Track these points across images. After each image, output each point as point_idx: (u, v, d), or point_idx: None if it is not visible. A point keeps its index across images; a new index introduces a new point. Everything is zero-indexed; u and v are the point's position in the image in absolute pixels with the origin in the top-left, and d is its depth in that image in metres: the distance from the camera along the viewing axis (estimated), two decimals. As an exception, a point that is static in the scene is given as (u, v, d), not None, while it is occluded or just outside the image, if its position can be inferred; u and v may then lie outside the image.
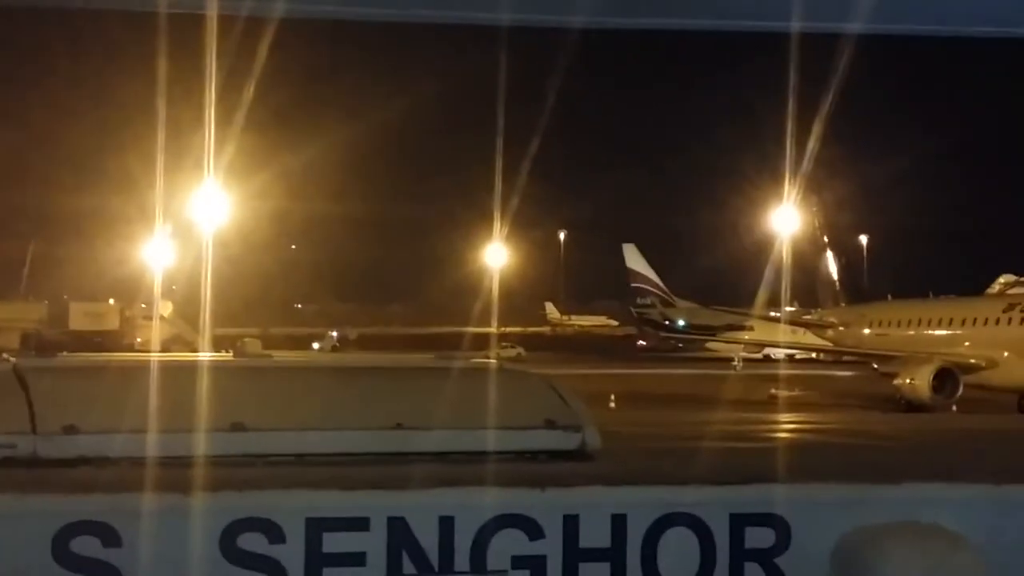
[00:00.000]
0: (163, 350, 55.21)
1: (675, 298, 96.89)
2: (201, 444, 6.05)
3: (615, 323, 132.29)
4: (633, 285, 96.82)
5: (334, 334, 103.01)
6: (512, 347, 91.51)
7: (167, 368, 6.86)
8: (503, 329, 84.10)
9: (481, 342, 65.75)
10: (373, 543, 5.64)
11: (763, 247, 68.60)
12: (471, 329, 69.17)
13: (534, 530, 5.77)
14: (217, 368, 7.03)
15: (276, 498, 5.64)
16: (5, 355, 7.63)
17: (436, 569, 5.68)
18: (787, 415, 45.21)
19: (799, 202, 66.04)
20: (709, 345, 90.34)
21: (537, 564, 5.77)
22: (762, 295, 70.47)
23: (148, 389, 6.24)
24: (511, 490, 5.81)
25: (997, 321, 56.17)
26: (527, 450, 6.45)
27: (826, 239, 72.33)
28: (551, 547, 5.78)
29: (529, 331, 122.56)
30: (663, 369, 75.12)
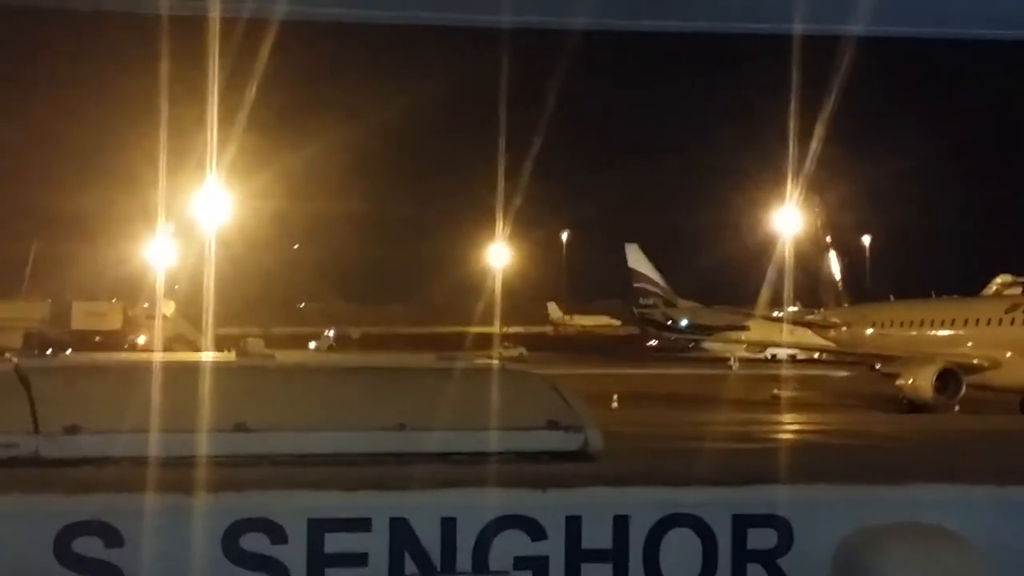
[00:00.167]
0: (166, 349, 55.25)
1: (677, 298, 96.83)
2: (203, 444, 6.05)
3: (618, 323, 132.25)
4: (635, 285, 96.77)
5: (330, 333, 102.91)
6: (514, 347, 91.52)
7: (169, 368, 6.86)
8: (505, 329, 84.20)
9: (484, 342, 65.82)
10: (375, 544, 5.64)
11: (765, 247, 68.73)
12: (474, 329, 69.28)
13: (536, 531, 5.77)
14: (219, 368, 7.04)
15: (278, 498, 5.64)
16: (7, 355, 7.64)
17: (438, 569, 5.68)
18: (789, 416, 45.35)
19: (801, 202, 66.13)
20: (706, 345, 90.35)
21: (539, 565, 5.78)
22: (764, 295, 70.58)
23: (150, 389, 6.25)
24: (513, 491, 5.82)
25: (1000, 321, 56.19)
26: (529, 451, 6.45)
27: (828, 239, 72.40)
28: (553, 548, 5.79)
29: (532, 331, 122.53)
30: (665, 369, 75.17)
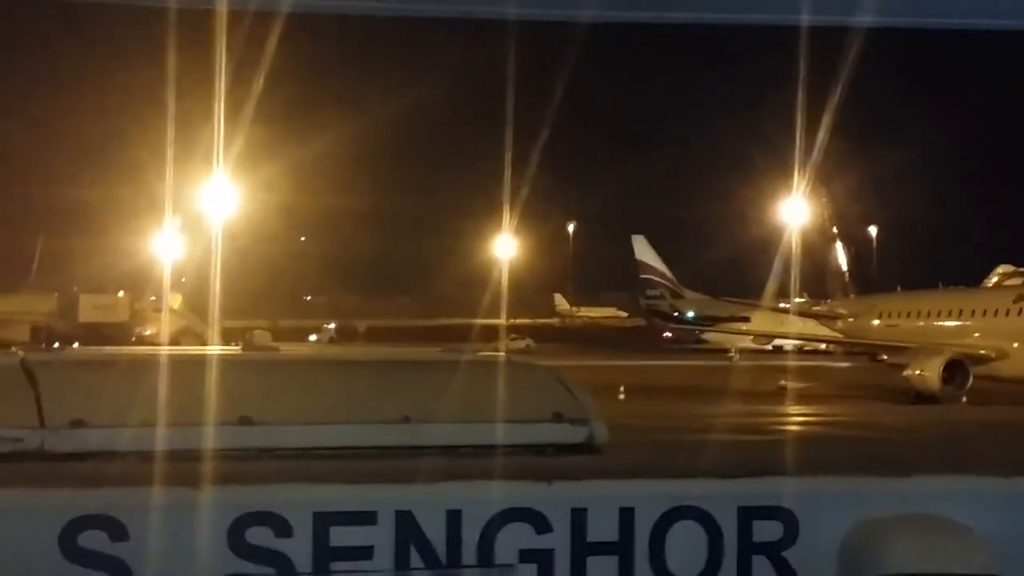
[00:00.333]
0: (173, 342, 55.32)
1: (684, 289, 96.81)
2: (209, 438, 6.05)
3: (624, 314, 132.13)
4: (642, 277, 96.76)
5: (331, 326, 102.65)
6: (521, 339, 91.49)
7: (175, 362, 6.85)
8: (512, 321, 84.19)
9: (490, 334, 65.80)
10: (380, 537, 5.64)
11: (772, 238, 68.67)
12: (480, 321, 69.25)
13: (541, 524, 5.77)
14: (225, 362, 7.03)
15: (283, 492, 5.64)
16: (13, 348, 7.63)
17: (443, 563, 5.68)
18: (796, 407, 45.34)
19: (808, 193, 66.08)
20: (710, 336, 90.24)
21: (545, 558, 5.77)
22: (771, 286, 70.60)
23: (156, 383, 6.25)
24: (518, 484, 5.81)
25: (1007, 312, 56.12)
26: (534, 443, 6.44)
27: (835, 230, 72.31)
28: (559, 541, 5.78)
29: (538, 323, 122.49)
30: (672, 361, 75.14)
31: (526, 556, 5.76)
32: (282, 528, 5.57)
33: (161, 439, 6.00)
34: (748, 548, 5.95)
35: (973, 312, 58.25)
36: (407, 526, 5.66)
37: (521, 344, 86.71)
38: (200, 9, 7.07)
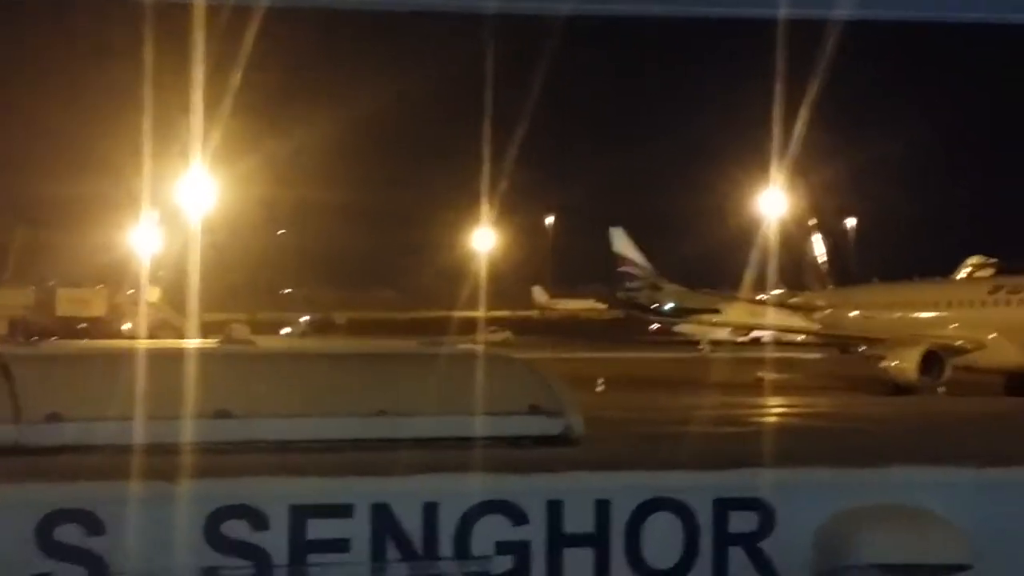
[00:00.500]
0: (151, 336, 55.14)
1: (663, 281, 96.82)
2: (185, 431, 6.04)
3: (603, 306, 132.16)
4: (620, 269, 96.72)
5: (304, 319, 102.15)
6: (500, 331, 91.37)
7: (152, 355, 6.85)
8: (491, 313, 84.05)
9: (469, 326, 65.74)
10: (357, 529, 5.64)
11: (750, 230, 68.74)
12: (459, 314, 69.15)
13: (518, 516, 5.77)
14: (202, 355, 7.02)
15: (260, 485, 5.64)
16: None
17: (420, 555, 5.68)
18: (773, 399, 45.39)
19: (786, 185, 66.17)
20: (680, 328, 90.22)
21: (521, 549, 5.78)
22: (749, 278, 70.58)
23: (132, 376, 6.24)
24: (495, 476, 5.82)
25: (984, 303, 56.29)
26: (511, 436, 6.45)
27: (813, 222, 72.41)
28: (535, 533, 5.79)
29: (517, 315, 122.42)
30: (651, 353, 75.15)
31: (503, 548, 5.76)
32: (259, 521, 5.56)
33: (138, 433, 5.99)
34: (724, 539, 5.96)
35: (950, 303, 58.39)
36: (384, 519, 5.66)
37: (499, 337, 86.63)
38: (179, 1, 7.04)
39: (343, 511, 5.64)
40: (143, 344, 8.18)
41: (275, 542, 5.57)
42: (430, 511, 5.70)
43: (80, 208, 78.54)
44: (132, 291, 73.38)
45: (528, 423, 6.50)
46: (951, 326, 56.44)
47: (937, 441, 8.29)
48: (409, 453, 6.04)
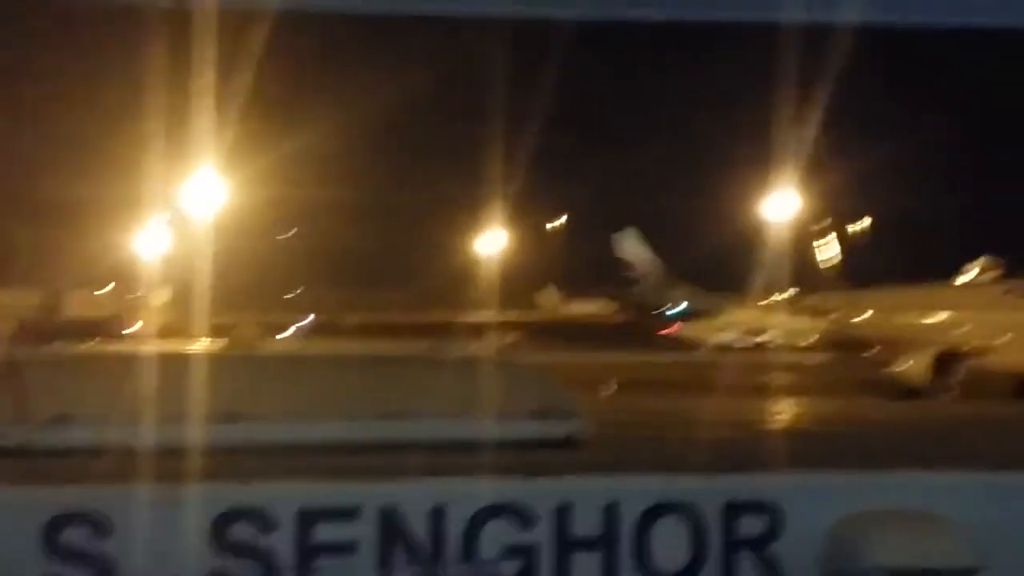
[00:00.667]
0: (160, 338, 55.20)
1: (675, 282, 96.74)
2: (193, 434, 6.06)
3: (614, 309, 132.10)
4: (631, 271, 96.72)
5: (305, 322, 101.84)
6: (510, 334, 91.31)
7: (160, 358, 6.88)
8: (500, 316, 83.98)
9: (479, 329, 65.68)
10: (364, 533, 5.66)
11: (763, 231, 68.63)
12: (468, 317, 69.21)
13: (525, 520, 5.79)
14: (210, 358, 7.04)
15: (267, 488, 5.66)
16: None
17: (427, 559, 5.70)
18: (781, 402, 45.34)
19: (799, 185, 66.08)
20: (685, 331, 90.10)
21: (528, 554, 5.79)
22: (761, 279, 70.49)
23: (140, 379, 6.26)
24: (502, 480, 5.83)
25: (997, 306, 56.19)
26: (518, 440, 6.47)
27: (827, 222, 72.33)
28: (542, 537, 5.80)
29: (527, 318, 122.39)
30: (660, 356, 75.09)
31: (510, 553, 5.78)
32: (266, 524, 5.58)
33: (145, 435, 6.01)
34: (733, 543, 5.97)
35: (962, 306, 58.31)
36: (391, 522, 5.68)
37: (509, 339, 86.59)
38: (186, 9, 7.07)
39: (351, 514, 5.66)
40: (151, 347, 8.23)
41: (282, 545, 5.59)
42: (437, 514, 5.72)
43: (90, 208, 78.59)
44: (141, 293, 73.51)
45: (535, 426, 6.52)
46: (964, 328, 56.35)
47: (947, 444, 8.31)
48: (416, 457, 6.06)
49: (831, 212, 73.14)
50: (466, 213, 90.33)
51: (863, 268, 74.81)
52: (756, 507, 6.00)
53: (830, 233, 72.71)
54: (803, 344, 75.68)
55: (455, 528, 5.73)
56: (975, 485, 6.23)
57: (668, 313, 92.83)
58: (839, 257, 72.25)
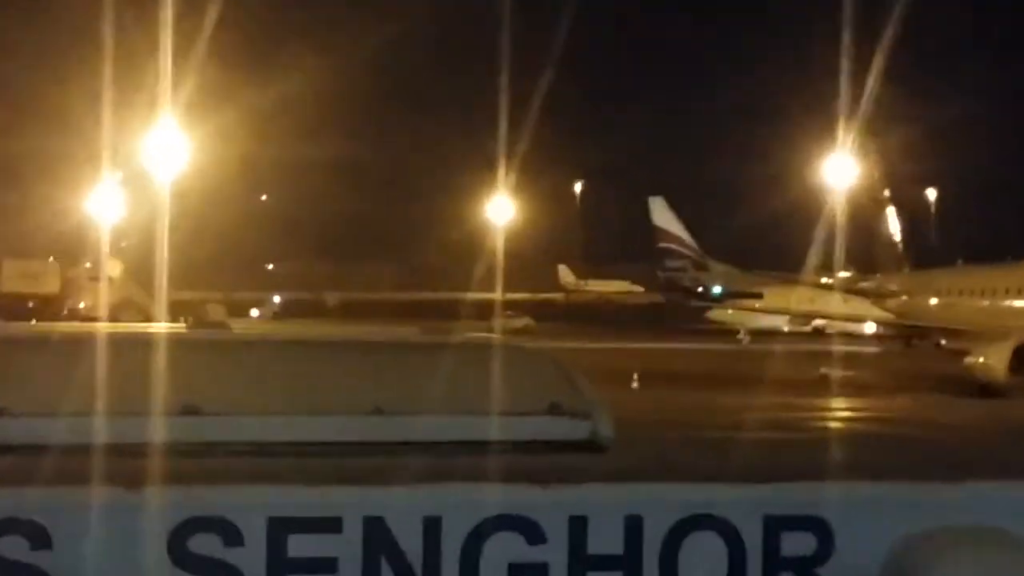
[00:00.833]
0: (111, 317, 55.45)
1: (710, 260, 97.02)
2: (148, 430, 6.09)
3: (640, 289, 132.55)
4: (660, 245, 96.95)
5: (276, 299, 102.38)
6: (519, 317, 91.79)
7: (111, 341, 6.90)
8: (509, 295, 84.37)
9: (483, 310, 66.01)
10: (346, 547, 5.68)
11: (812, 202, 68.75)
12: (472, 295, 69.43)
13: (535, 533, 5.81)
14: (168, 341, 7.07)
15: (234, 494, 5.68)
16: None
17: None
18: (835, 400, 45.48)
19: (855, 149, 66.13)
20: (713, 316, 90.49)
21: (538, 572, 5.82)
22: (812, 258, 70.64)
23: (89, 366, 6.29)
24: (508, 487, 5.86)
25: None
26: (528, 440, 6.50)
27: (887, 193, 72.45)
28: (554, 553, 5.83)
29: (539, 298, 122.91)
30: (695, 344, 75.40)
31: (517, 570, 5.80)
32: (232, 536, 5.61)
33: (93, 431, 6.04)
34: (775, 564, 5.99)
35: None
36: (377, 535, 5.70)
37: (519, 323, 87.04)
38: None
39: (330, 525, 5.68)
40: (101, 327, 8.25)
41: (250, 560, 5.61)
42: (432, 526, 5.75)
43: (31, 167, 78.80)
44: (90, 264, 73.75)
45: (549, 425, 6.55)
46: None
47: None
48: (408, 459, 6.09)
49: (893, 180, 73.15)
50: (469, 176, 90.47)
51: (928, 246, 74.94)
52: (803, 522, 6.02)
53: (891, 204, 72.73)
54: (859, 332, 75.90)
55: (453, 542, 5.75)
56: None
57: (713, 293, 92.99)
58: (902, 232, 72.29)
